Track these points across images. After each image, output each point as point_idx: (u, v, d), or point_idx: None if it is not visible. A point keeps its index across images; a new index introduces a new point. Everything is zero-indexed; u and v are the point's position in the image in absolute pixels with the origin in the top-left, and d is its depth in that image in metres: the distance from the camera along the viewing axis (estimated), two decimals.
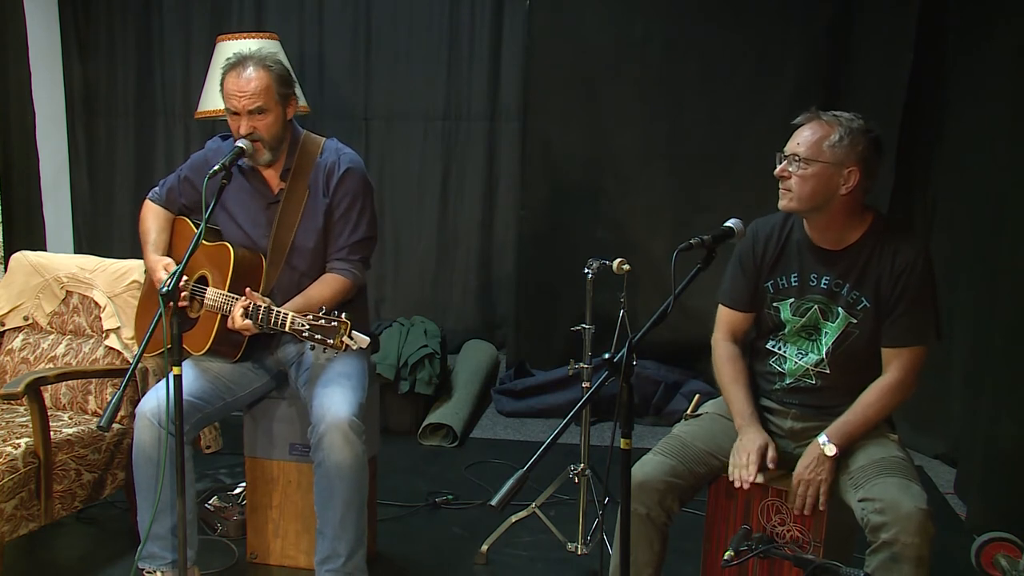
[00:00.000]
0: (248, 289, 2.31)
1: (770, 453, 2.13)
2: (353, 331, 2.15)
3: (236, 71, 2.42)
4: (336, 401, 2.36)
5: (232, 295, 2.36)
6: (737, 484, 2.12)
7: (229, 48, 3.82)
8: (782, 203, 2.11)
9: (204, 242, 2.53)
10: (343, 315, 2.15)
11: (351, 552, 2.39)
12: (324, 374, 2.46)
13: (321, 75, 4.79)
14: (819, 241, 2.15)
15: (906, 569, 1.86)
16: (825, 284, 2.15)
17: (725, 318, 2.32)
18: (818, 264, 2.16)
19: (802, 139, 2.07)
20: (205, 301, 2.43)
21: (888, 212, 3.78)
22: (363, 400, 2.43)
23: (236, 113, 2.42)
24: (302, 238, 2.53)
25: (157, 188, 2.72)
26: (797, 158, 2.06)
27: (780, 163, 2.10)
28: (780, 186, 2.11)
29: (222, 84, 2.45)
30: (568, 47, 4.34)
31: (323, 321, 2.15)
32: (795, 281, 2.19)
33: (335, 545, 2.38)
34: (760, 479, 2.11)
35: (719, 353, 2.30)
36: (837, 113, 2.08)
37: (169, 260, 2.54)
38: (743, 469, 2.11)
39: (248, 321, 2.29)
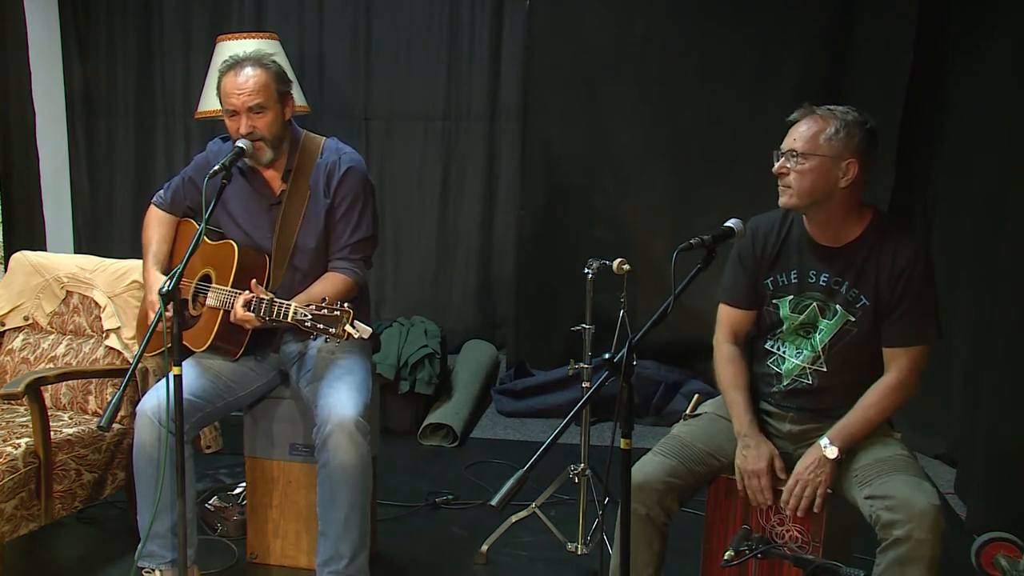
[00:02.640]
0: (253, 282, 2.32)
1: (777, 464, 2.13)
2: (355, 321, 2.15)
3: (233, 71, 2.43)
4: (342, 401, 2.36)
5: (235, 291, 2.37)
6: (754, 505, 2.13)
7: (229, 48, 3.82)
8: (782, 200, 2.10)
9: (208, 241, 2.54)
10: (345, 304, 2.15)
11: (354, 554, 2.39)
12: (328, 373, 2.47)
13: (321, 75, 4.79)
14: (819, 238, 2.15)
15: (918, 565, 1.86)
16: (824, 281, 2.14)
17: (726, 317, 2.31)
18: (817, 261, 2.15)
19: (798, 135, 2.06)
20: (208, 297, 2.43)
21: (888, 212, 3.79)
22: (368, 400, 2.43)
23: (235, 113, 2.42)
24: (304, 239, 2.53)
25: (162, 192, 2.73)
26: (795, 153, 2.05)
27: (778, 160, 2.10)
28: (779, 183, 2.10)
29: (219, 86, 2.46)
30: (568, 47, 4.34)
31: (325, 311, 2.15)
32: (794, 278, 2.18)
33: (338, 546, 2.38)
34: None
35: (720, 355, 2.30)
36: (831, 107, 2.07)
37: None
38: (759, 494, 2.12)
39: (250, 313, 2.29)
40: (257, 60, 2.45)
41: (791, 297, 2.19)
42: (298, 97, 4.10)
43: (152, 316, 2.51)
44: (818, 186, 2.05)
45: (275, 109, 2.45)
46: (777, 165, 2.09)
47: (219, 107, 3.73)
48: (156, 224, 2.69)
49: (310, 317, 2.16)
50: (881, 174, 3.72)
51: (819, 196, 2.06)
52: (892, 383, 2.10)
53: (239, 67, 2.43)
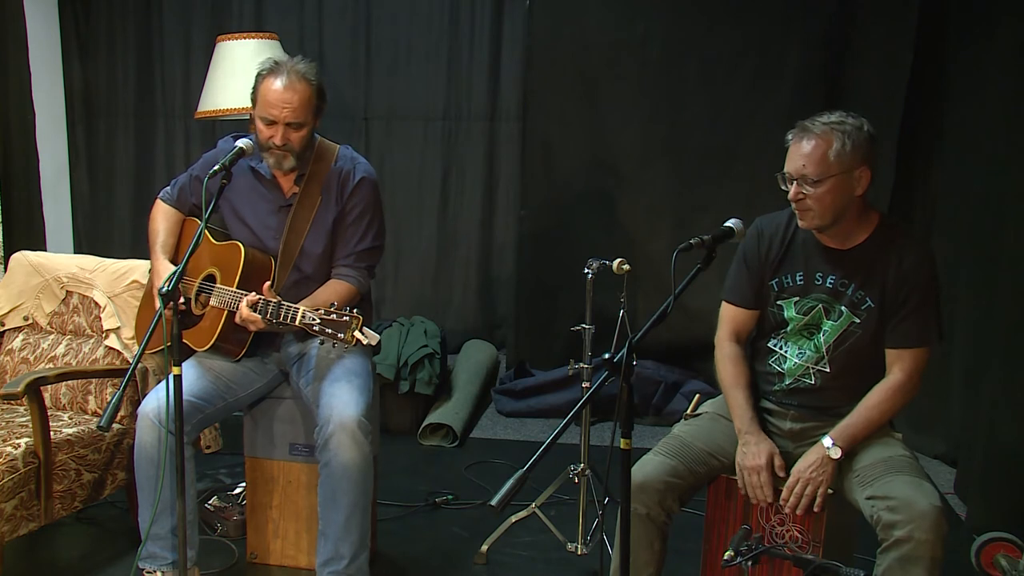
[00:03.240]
0: (266, 286, 2.31)
1: (777, 461, 2.13)
2: (364, 327, 2.15)
3: (279, 78, 2.40)
4: (344, 401, 2.36)
5: (241, 292, 2.36)
6: (754, 502, 2.13)
7: (229, 48, 3.80)
8: (804, 223, 2.10)
9: (214, 241, 2.54)
10: (355, 310, 2.15)
11: (355, 554, 2.39)
12: (329, 373, 2.47)
13: (321, 75, 4.79)
14: (826, 240, 2.15)
15: (920, 566, 1.86)
16: (830, 283, 2.14)
17: (729, 316, 2.31)
18: (824, 263, 2.15)
19: (806, 159, 2.03)
20: (212, 297, 2.43)
21: (888, 212, 3.79)
22: (369, 400, 2.43)
23: (273, 122, 2.41)
24: (311, 243, 2.53)
25: (168, 188, 2.72)
26: (807, 179, 2.03)
27: (786, 185, 2.07)
28: (795, 206, 2.08)
29: (257, 89, 2.44)
30: (568, 47, 4.34)
31: (334, 316, 2.15)
32: (800, 280, 2.18)
33: (339, 547, 2.38)
34: None
35: (722, 354, 2.30)
36: (824, 121, 2.04)
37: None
38: (758, 490, 2.12)
39: (256, 314, 2.29)
40: (302, 74, 2.42)
41: (796, 299, 2.19)
42: None
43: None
44: (838, 203, 2.05)
45: (310, 124, 2.46)
46: (792, 192, 2.07)
47: (219, 107, 3.75)
48: (163, 216, 2.68)
49: (319, 322, 2.16)
50: (881, 173, 3.73)
51: (840, 211, 2.06)
52: (895, 384, 2.10)
53: (284, 76, 2.40)
